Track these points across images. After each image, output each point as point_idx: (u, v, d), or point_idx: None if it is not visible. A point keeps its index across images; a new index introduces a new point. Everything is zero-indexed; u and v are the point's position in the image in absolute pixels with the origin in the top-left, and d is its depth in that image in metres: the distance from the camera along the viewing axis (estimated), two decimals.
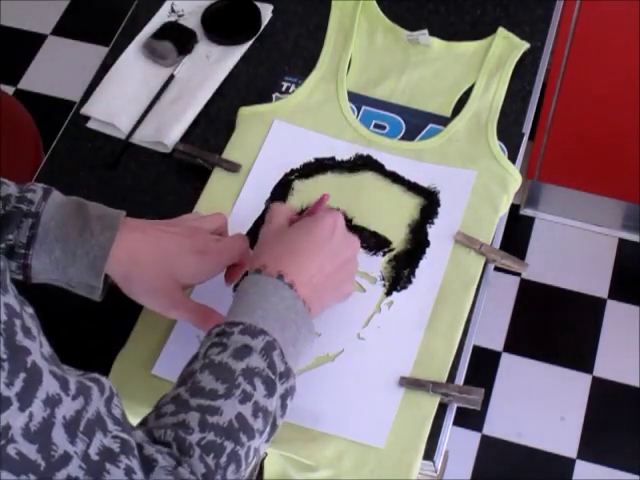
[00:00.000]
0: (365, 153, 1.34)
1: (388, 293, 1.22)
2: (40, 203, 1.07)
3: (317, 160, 1.33)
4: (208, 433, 0.88)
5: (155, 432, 0.88)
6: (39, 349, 0.76)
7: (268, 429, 0.95)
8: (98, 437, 0.79)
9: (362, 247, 1.25)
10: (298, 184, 1.31)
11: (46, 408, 0.75)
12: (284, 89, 1.41)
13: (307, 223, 1.10)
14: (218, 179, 1.32)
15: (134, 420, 1.17)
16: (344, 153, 1.34)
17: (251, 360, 0.94)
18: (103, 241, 1.06)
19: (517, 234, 2.32)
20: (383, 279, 1.23)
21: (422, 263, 1.24)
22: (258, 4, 1.49)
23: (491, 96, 1.38)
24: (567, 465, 2.03)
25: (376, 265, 1.24)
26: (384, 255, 1.25)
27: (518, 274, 2.23)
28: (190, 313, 1.10)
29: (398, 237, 1.26)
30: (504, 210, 1.29)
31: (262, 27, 1.48)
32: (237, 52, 1.46)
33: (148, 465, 0.83)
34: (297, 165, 1.33)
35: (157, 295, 1.10)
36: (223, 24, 1.48)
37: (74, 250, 1.06)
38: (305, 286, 1.03)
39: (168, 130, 1.37)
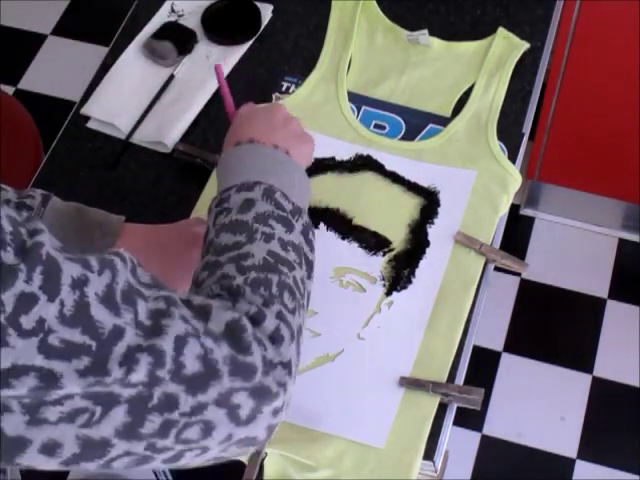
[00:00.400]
0: (365, 153, 1.34)
1: (388, 293, 1.22)
2: (39, 209, 1.07)
3: (317, 160, 1.33)
4: (249, 273, 0.88)
5: (202, 294, 0.88)
6: (50, 242, 0.75)
7: (304, 263, 0.95)
8: (140, 304, 0.78)
9: (362, 247, 1.25)
10: None
11: (75, 291, 0.74)
12: (284, 89, 1.41)
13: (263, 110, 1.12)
14: None
15: None
16: (344, 153, 1.34)
17: (258, 208, 0.95)
18: (102, 247, 1.06)
19: (517, 234, 2.32)
20: (383, 279, 1.23)
21: (422, 263, 1.24)
22: (258, 4, 1.49)
23: (491, 96, 1.38)
24: (567, 465, 2.03)
25: (376, 265, 1.24)
26: (384, 255, 1.25)
27: (518, 274, 2.23)
28: None
29: (398, 237, 1.26)
30: (504, 210, 1.29)
31: (262, 27, 1.48)
32: (237, 52, 1.46)
33: (203, 312, 0.82)
34: None
35: None
36: (223, 24, 1.48)
37: None
38: (277, 142, 1.04)
39: (168, 130, 1.37)
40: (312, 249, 0.98)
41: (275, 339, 0.84)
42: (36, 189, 1.10)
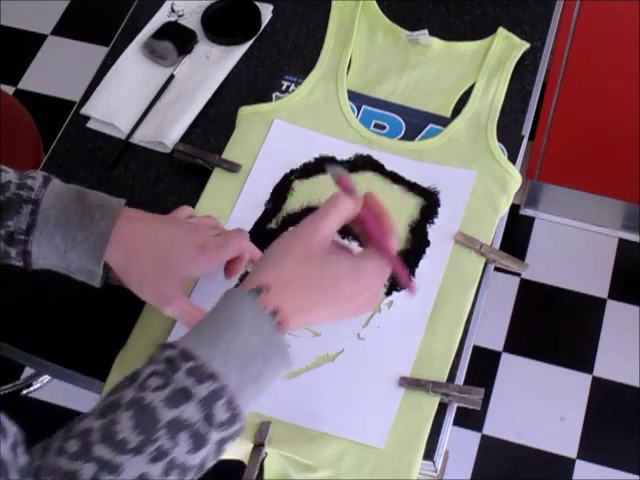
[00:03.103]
0: (365, 153, 1.34)
1: (388, 293, 1.22)
2: (40, 190, 1.07)
3: (317, 160, 1.33)
4: None
5: (44, 473, 0.82)
6: None
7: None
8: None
9: (362, 246, 1.25)
10: (298, 184, 1.31)
11: None
12: (284, 89, 1.41)
13: (354, 263, 1.01)
14: (218, 179, 1.32)
15: None
16: (344, 153, 1.34)
17: (185, 410, 0.86)
18: (103, 227, 1.06)
19: (517, 234, 2.32)
20: None
21: (422, 263, 1.24)
22: (258, 4, 1.49)
23: (491, 96, 1.38)
24: (567, 465, 2.03)
25: None
26: None
27: (518, 274, 2.23)
28: (184, 314, 1.08)
29: (398, 237, 1.26)
30: (504, 210, 1.29)
31: (262, 27, 1.48)
32: (237, 52, 1.46)
33: None
34: (297, 165, 1.33)
35: (153, 287, 1.09)
36: (223, 24, 1.48)
37: (74, 236, 1.06)
38: (297, 318, 0.96)
39: (168, 130, 1.37)
40: (217, 458, 0.90)
41: None
42: (37, 170, 1.11)
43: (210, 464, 0.91)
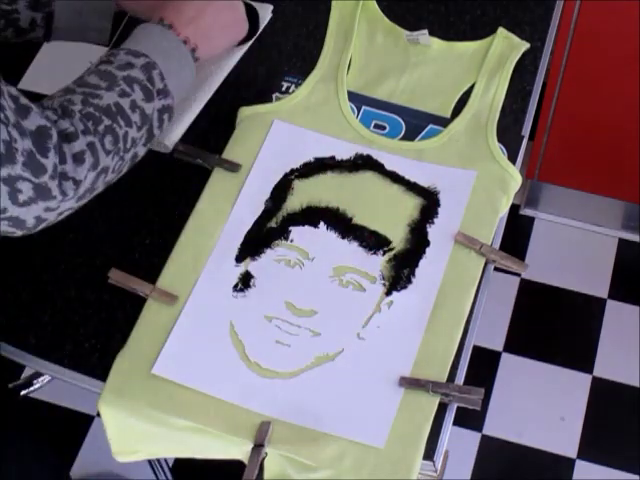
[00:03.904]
0: (365, 153, 1.34)
1: (388, 293, 1.22)
2: None
3: (317, 160, 1.33)
4: (89, 107, 1.07)
5: (43, 104, 1.05)
6: None
7: (145, 130, 1.12)
8: None
9: (362, 246, 1.25)
10: (298, 184, 1.31)
11: None
12: (284, 89, 1.41)
13: None
14: (218, 179, 1.32)
15: (131, 419, 1.18)
16: (344, 153, 1.34)
17: (132, 72, 1.12)
18: None
19: (517, 234, 2.32)
20: (383, 278, 1.23)
21: (422, 263, 1.24)
22: (258, 4, 1.49)
23: (491, 96, 1.38)
24: (567, 465, 2.03)
25: (376, 264, 1.24)
26: (384, 254, 1.25)
27: (518, 274, 2.23)
28: None
29: (398, 236, 1.26)
30: (504, 210, 1.29)
31: (262, 27, 1.48)
32: (237, 52, 1.46)
33: (23, 110, 1.00)
34: (297, 165, 1.33)
35: None
36: None
37: None
38: (186, 27, 1.21)
39: (168, 130, 1.36)
40: (160, 127, 1.15)
41: (77, 159, 1.03)
42: None
43: (156, 132, 1.15)
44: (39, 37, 1.31)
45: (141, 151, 1.14)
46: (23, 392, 2.11)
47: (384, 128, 1.37)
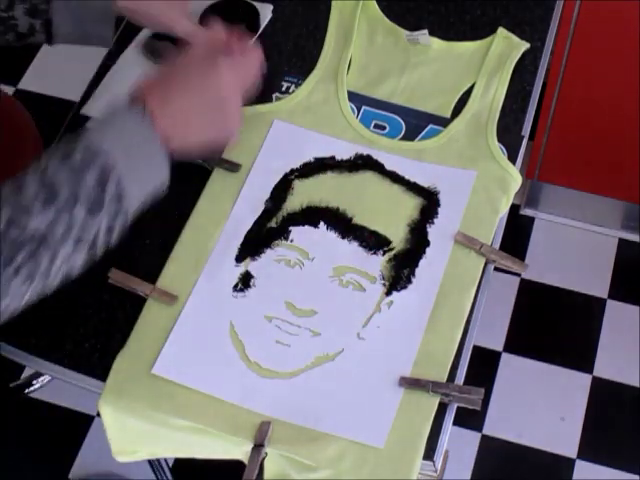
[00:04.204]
0: (365, 153, 1.34)
1: (388, 293, 1.22)
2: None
3: (317, 160, 1.33)
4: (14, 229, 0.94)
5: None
6: None
7: (86, 245, 1.00)
8: None
9: (362, 246, 1.25)
10: (298, 184, 1.31)
11: None
12: (284, 89, 1.41)
13: (198, 64, 1.12)
14: (218, 179, 1.32)
15: (131, 419, 1.18)
16: (344, 153, 1.34)
17: (82, 181, 0.97)
18: None
19: (517, 234, 2.32)
20: (383, 278, 1.23)
21: (422, 263, 1.24)
22: (258, 4, 1.49)
23: (491, 96, 1.38)
24: (567, 465, 2.03)
25: (376, 264, 1.24)
26: (384, 254, 1.25)
27: (518, 274, 2.23)
28: (189, 34, 1.28)
29: (398, 236, 1.26)
30: (504, 210, 1.29)
31: (262, 27, 1.48)
32: None
33: None
34: (297, 165, 1.33)
35: (160, 9, 1.30)
36: (222, 24, 1.47)
37: None
38: (167, 118, 1.04)
39: None
40: (108, 242, 1.02)
41: None
42: None
43: (101, 241, 1.00)
44: (41, 41, 1.30)
45: (76, 266, 1.03)
46: (23, 392, 2.11)
47: (384, 128, 1.37)
